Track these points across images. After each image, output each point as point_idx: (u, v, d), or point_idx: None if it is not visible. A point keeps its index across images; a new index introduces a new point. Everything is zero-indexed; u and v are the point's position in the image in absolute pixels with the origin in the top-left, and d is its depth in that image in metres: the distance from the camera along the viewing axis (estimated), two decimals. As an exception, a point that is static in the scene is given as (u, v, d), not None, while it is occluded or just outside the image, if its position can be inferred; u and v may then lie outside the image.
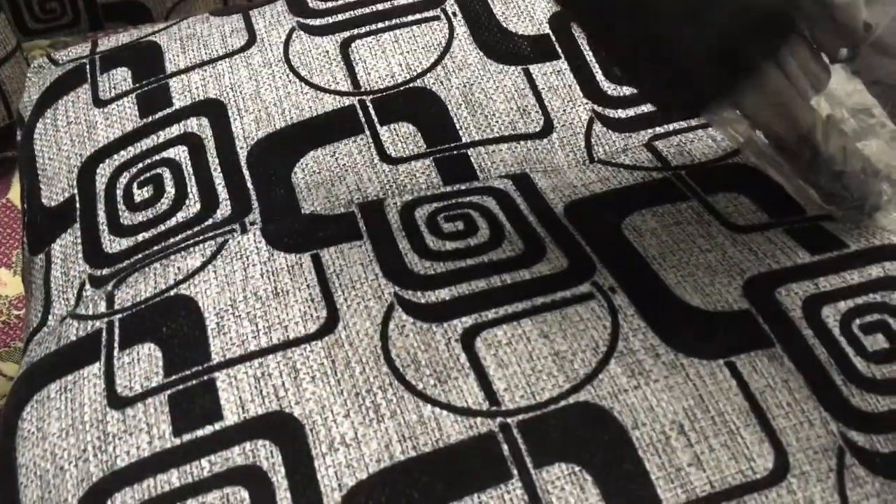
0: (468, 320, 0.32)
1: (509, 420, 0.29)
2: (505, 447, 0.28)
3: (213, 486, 0.28)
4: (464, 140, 0.41)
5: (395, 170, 0.40)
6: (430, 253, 0.35)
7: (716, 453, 0.28)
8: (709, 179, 0.38)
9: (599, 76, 0.43)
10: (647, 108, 0.42)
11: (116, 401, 0.31)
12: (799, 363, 0.31)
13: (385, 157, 0.40)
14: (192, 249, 0.36)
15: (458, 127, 0.41)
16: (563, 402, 0.29)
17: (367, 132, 0.41)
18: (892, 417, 0.30)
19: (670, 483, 0.28)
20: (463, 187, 0.38)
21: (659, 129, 0.41)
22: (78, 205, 0.42)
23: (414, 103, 0.42)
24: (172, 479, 0.29)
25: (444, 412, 0.29)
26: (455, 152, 0.41)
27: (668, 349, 0.31)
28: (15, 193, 0.65)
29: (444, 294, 0.33)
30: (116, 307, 0.35)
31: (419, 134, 0.41)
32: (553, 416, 0.29)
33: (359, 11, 0.46)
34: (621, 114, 0.42)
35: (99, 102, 0.45)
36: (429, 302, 0.33)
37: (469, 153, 0.40)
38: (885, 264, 0.34)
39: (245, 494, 0.28)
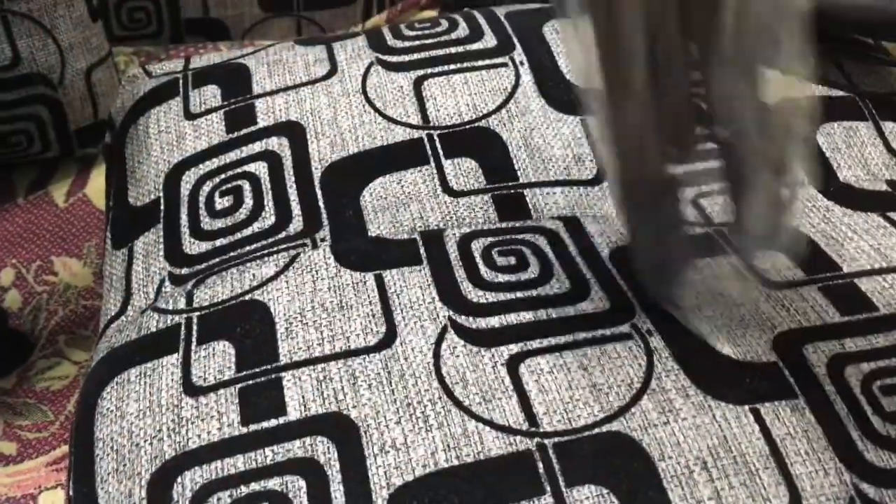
0: (514, 347, 0.35)
1: (546, 441, 0.32)
2: (540, 465, 0.31)
3: (275, 474, 0.31)
4: (521, 180, 0.44)
5: (455, 202, 0.43)
6: (483, 283, 0.37)
7: (735, 490, 0.31)
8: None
9: (653, 131, 0.46)
10: (696, 166, 0.45)
11: (191, 389, 0.34)
12: (819, 416, 0.33)
13: (447, 189, 0.44)
14: (266, 259, 0.40)
15: (516, 167, 0.45)
16: (596, 430, 0.32)
17: (433, 164, 0.44)
18: (903, 475, 0.32)
19: (690, 513, 0.30)
20: (517, 224, 0.41)
21: (705, 188, 0.44)
22: (162, 207, 0.45)
23: (478, 141, 0.46)
24: (238, 463, 0.32)
25: (487, 428, 0.32)
26: (512, 191, 0.44)
27: (698, 391, 0.33)
28: (91, 189, 0.70)
29: (493, 322, 0.36)
30: (195, 305, 0.38)
31: (480, 170, 0.44)
32: (586, 442, 0.32)
33: (433, 53, 0.50)
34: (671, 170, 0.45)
35: (189, 115, 0.49)
36: (479, 328, 0.36)
37: (525, 193, 0.43)
38: (910, 331, 0.36)
39: (302, 483, 0.31)
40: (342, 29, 0.85)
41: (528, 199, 0.43)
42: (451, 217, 0.42)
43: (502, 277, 0.38)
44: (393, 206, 0.43)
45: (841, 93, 0.50)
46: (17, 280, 0.63)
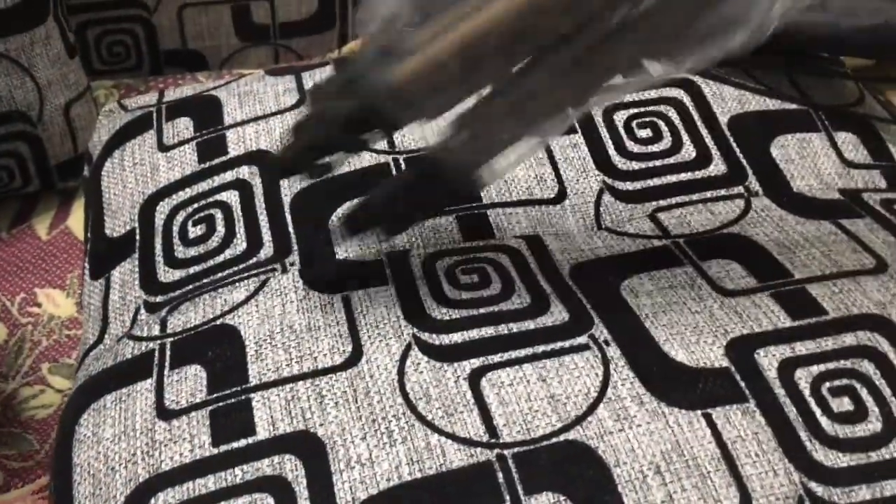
0: (476, 362, 0.36)
1: (506, 452, 0.33)
2: (500, 475, 0.32)
3: (244, 492, 0.32)
4: (485, 201, 0.46)
5: (421, 225, 0.44)
6: (446, 300, 0.39)
7: (687, 493, 0.32)
8: (704, 248, 0.42)
9: (612, 151, 0.48)
10: (652, 182, 0.46)
11: (164, 413, 0.36)
12: (769, 419, 0.34)
13: (413, 211, 0.45)
14: (237, 284, 0.41)
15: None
16: (554, 440, 0.33)
17: (399, 188, 0.46)
18: (850, 473, 0.33)
19: (644, 516, 0.31)
20: (481, 244, 0.42)
21: (662, 202, 0.45)
22: (138, 237, 0.47)
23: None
24: (209, 483, 0.33)
25: (449, 441, 0.33)
26: (476, 212, 0.45)
27: (652, 398, 0.35)
28: (73, 221, 0.71)
29: (456, 338, 0.37)
30: (168, 331, 0.40)
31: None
32: (544, 451, 0.33)
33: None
34: (629, 186, 0.47)
35: (163, 147, 0.50)
36: (442, 344, 0.37)
37: (489, 213, 0.45)
38: (858, 333, 0.37)
39: (271, 501, 0.32)
40: (319, 56, 0.86)
41: (491, 219, 0.45)
42: (417, 239, 0.44)
43: (465, 294, 0.39)
44: (360, 229, 0.44)
45: (794, 106, 0.51)
46: (1, 313, 0.64)
